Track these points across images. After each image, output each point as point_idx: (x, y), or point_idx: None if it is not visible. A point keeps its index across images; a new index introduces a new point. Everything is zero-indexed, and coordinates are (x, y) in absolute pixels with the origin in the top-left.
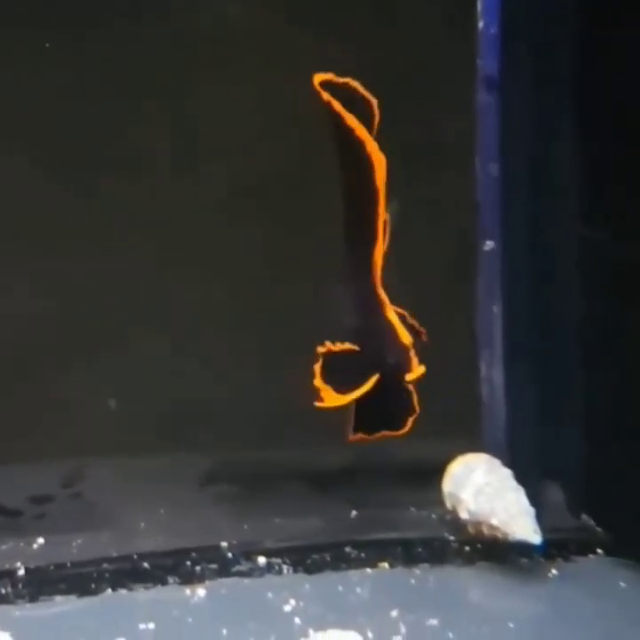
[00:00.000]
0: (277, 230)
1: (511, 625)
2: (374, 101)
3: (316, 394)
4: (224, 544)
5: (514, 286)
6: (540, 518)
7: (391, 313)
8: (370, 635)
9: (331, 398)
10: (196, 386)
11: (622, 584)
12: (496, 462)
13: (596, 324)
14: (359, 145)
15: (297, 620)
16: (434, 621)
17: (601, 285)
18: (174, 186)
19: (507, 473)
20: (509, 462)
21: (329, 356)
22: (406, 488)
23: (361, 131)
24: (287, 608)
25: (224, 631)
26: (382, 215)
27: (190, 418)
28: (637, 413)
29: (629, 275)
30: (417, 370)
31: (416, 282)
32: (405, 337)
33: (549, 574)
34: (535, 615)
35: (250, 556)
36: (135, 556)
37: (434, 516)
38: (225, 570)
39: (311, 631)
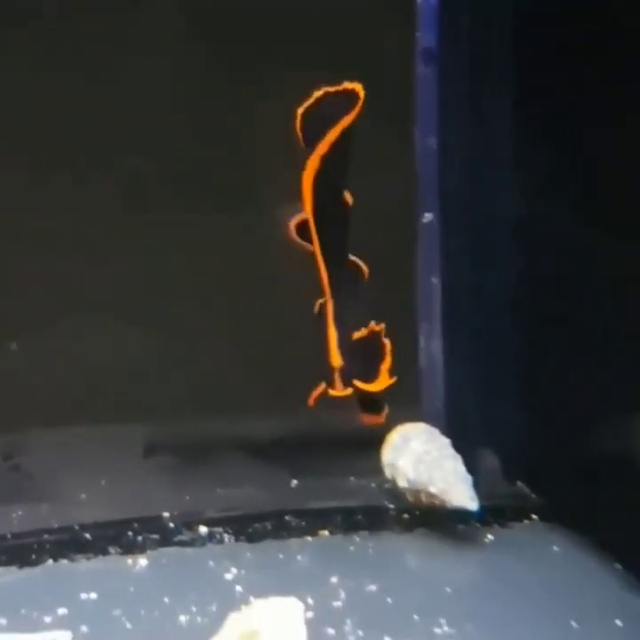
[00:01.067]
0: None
1: (448, 589)
2: (359, 87)
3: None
4: (165, 514)
5: (452, 258)
6: (477, 486)
7: (331, 330)
8: (310, 601)
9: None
10: (136, 357)
11: (555, 548)
12: (434, 431)
13: (534, 296)
14: None
15: (238, 588)
16: (373, 587)
17: (538, 257)
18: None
19: (445, 442)
20: (447, 431)
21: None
22: (346, 457)
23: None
24: (228, 576)
25: (166, 600)
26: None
27: (130, 389)
28: (570, 384)
29: (565, 246)
30: (339, 390)
31: (355, 254)
32: (335, 359)
33: (486, 540)
34: (472, 579)
35: (191, 525)
36: (76, 527)
37: (373, 484)
38: (166, 540)
39: (252, 599)
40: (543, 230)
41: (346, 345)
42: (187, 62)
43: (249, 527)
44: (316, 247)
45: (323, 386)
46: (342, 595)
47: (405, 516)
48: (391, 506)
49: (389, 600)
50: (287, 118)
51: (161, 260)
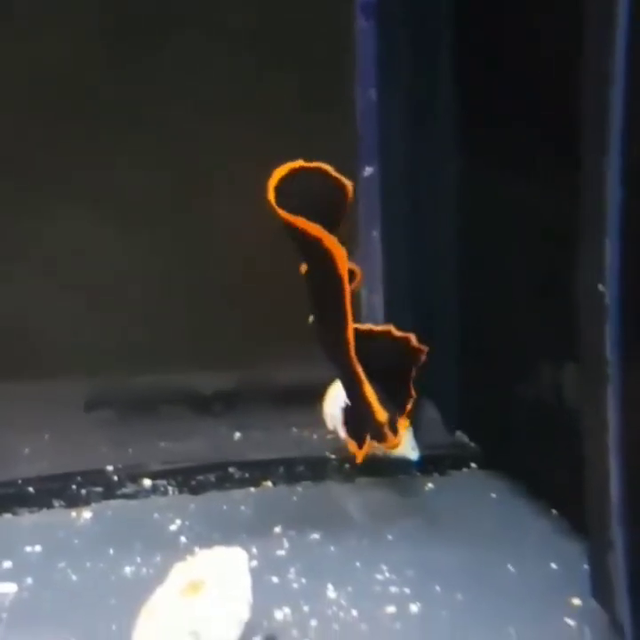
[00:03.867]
0: None
1: (390, 537)
2: (349, 185)
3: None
4: (109, 468)
5: (393, 212)
6: (418, 436)
7: (368, 390)
8: (254, 550)
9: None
10: (79, 313)
11: (493, 495)
12: None
13: (472, 247)
14: (317, 242)
15: (183, 538)
16: (316, 536)
17: (477, 212)
18: None
19: None
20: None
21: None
22: (288, 410)
23: (316, 231)
24: (173, 527)
25: (111, 551)
26: (348, 301)
27: (72, 345)
28: (504, 336)
29: (501, 201)
30: (392, 440)
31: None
32: (381, 415)
33: (426, 488)
34: (412, 526)
35: (135, 478)
36: (20, 481)
37: (315, 436)
38: (110, 492)
39: (197, 549)
40: (481, 185)
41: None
42: None
43: (192, 479)
44: (348, 313)
45: (368, 442)
46: (285, 544)
47: (347, 466)
48: (333, 456)
49: (332, 548)
50: None
51: (101, 214)
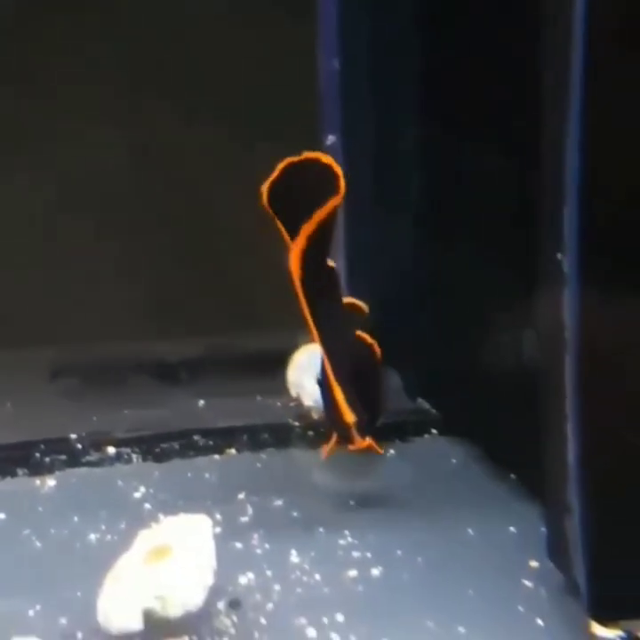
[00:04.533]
0: None
1: (352, 502)
2: (340, 172)
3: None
4: (73, 436)
5: (354, 179)
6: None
7: (337, 390)
8: (218, 517)
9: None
10: (43, 280)
11: (454, 460)
12: None
13: (432, 216)
14: None
15: (147, 505)
16: (279, 502)
17: (437, 180)
18: None
19: None
20: None
21: None
22: (252, 378)
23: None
24: (137, 495)
25: (75, 519)
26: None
27: (37, 313)
28: (464, 302)
29: (461, 172)
30: (360, 443)
31: (262, 180)
32: (348, 416)
33: (388, 454)
34: (374, 492)
35: (99, 446)
36: None
37: (279, 403)
38: (74, 460)
39: (161, 516)
40: (443, 153)
41: (352, 398)
42: None
43: (156, 447)
44: (309, 317)
45: (334, 440)
46: (249, 510)
47: (310, 433)
48: (297, 424)
49: (295, 514)
50: None
51: (65, 184)
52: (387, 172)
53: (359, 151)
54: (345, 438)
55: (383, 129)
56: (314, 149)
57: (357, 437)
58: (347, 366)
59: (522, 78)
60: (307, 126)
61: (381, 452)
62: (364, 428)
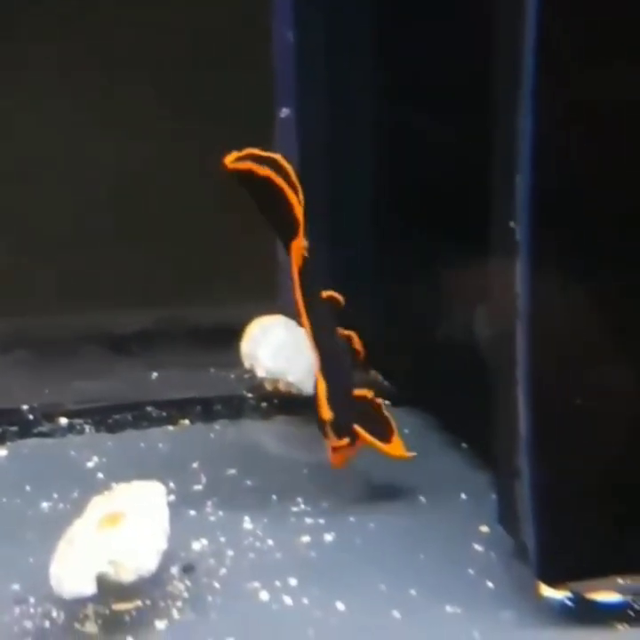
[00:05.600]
0: None
1: (305, 471)
2: (293, 172)
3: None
4: (24, 407)
5: (309, 153)
6: None
7: (320, 385)
8: (172, 485)
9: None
10: None
11: (406, 431)
12: (292, 323)
13: (388, 189)
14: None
15: (100, 475)
16: (233, 471)
17: (393, 153)
18: None
19: (302, 333)
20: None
21: None
22: (206, 350)
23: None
24: (90, 465)
25: (27, 488)
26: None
27: None
28: (416, 275)
29: (416, 142)
30: (334, 442)
31: (215, 153)
32: (325, 413)
33: None
34: (327, 462)
35: (51, 417)
36: None
37: (232, 375)
38: (26, 431)
39: (114, 485)
40: (397, 125)
41: (338, 396)
42: None
43: (109, 418)
44: (306, 320)
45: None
46: (203, 479)
47: (264, 404)
48: (250, 395)
49: (248, 482)
50: None
51: (18, 152)
52: (341, 144)
53: (313, 124)
54: (322, 432)
55: (338, 102)
56: (267, 125)
57: (332, 436)
58: (337, 363)
59: (477, 48)
60: (261, 98)
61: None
62: (343, 428)
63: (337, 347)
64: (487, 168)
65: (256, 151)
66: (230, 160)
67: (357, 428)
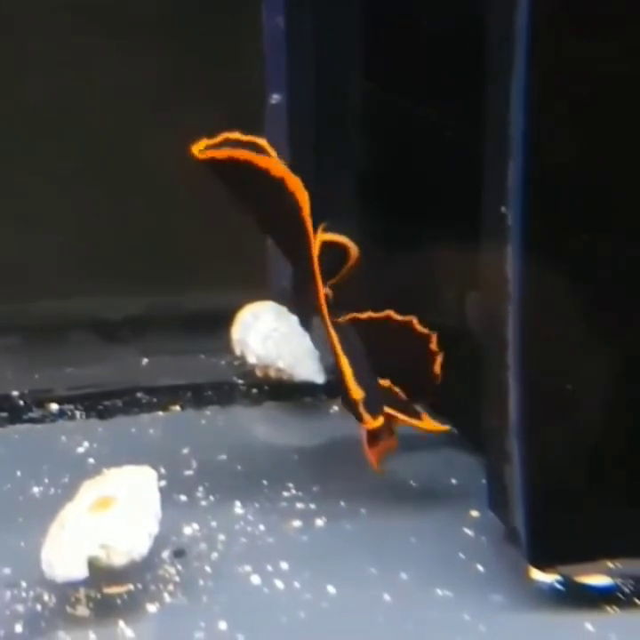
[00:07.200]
0: None
1: (296, 457)
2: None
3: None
4: (15, 393)
5: (299, 139)
6: (323, 360)
7: (344, 364)
8: (163, 470)
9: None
10: None
11: None
12: (283, 309)
13: (378, 174)
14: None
15: (91, 460)
16: (223, 456)
17: (384, 138)
18: None
19: (292, 319)
20: (294, 309)
21: None
22: (196, 336)
23: (277, 168)
24: (81, 450)
25: (18, 473)
26: (314, 255)
27: None
28: (410, 263)
29: (408, 128)
30: (370, 422)
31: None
32: (356, 393)
33: (331, 411)
34: (317, 447)
35: (41, 403)
36: None
37: (223, 362)
38: (17, 417)
39: (105, 469)
40: (389, 111)
41: (363, 374)
42: None
43: (100, 404)
44: (323, 305)
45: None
46: (194, 464)
47: (254, 390)
48: (240, 381)
49: (239, 468)
50: None
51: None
52: (331, 130)
53: (304, 110)
54: (354, 414)
55: (328, 88)
56: (258, 111)
57: (366, 416)
58: (354, 344)
59: (468, 34)
60: (250, 85)
61: (435, 428)
62: (376, 404)
63: (349, 328)
64: (478, 154)
65: (234, 135)
66: (199, 148)
67: (389, 410)
